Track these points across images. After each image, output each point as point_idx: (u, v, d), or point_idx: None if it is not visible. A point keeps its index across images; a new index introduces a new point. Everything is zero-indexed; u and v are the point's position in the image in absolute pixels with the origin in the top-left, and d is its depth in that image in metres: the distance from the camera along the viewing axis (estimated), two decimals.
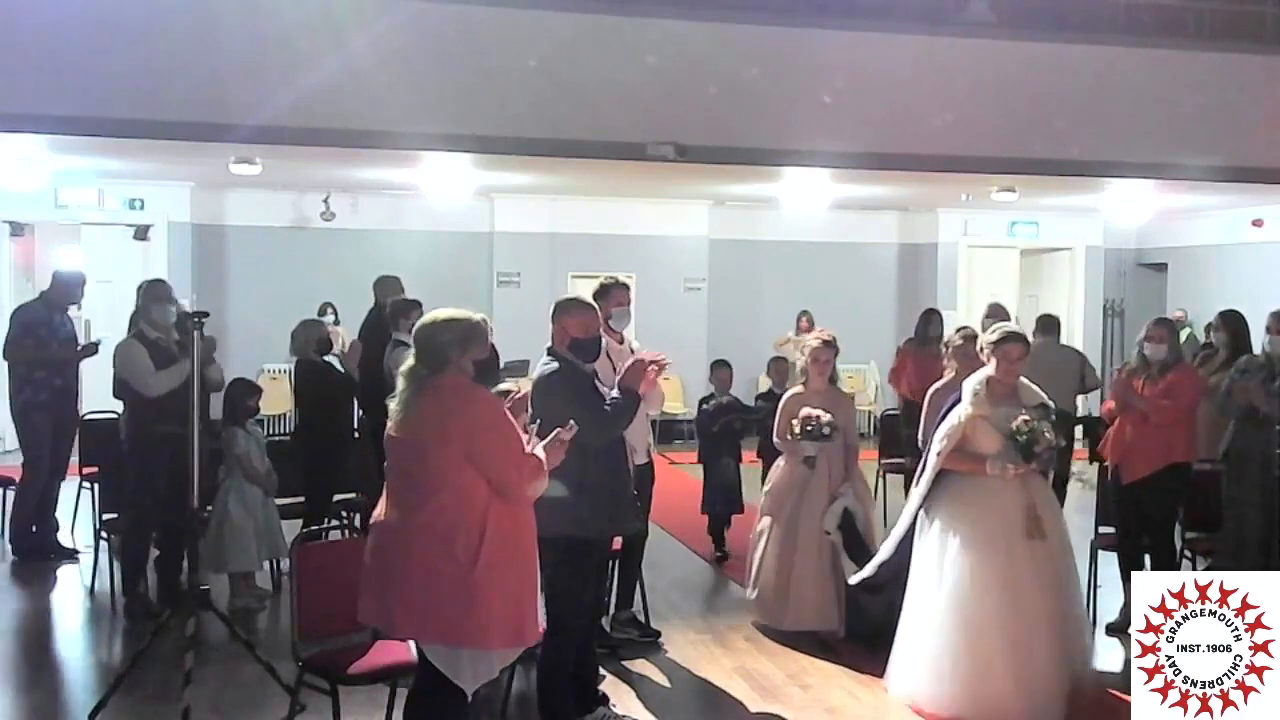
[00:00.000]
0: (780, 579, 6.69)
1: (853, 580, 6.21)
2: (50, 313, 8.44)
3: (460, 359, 4.10)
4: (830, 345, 6.88)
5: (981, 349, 5.75)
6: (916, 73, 8.94)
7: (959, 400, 5.58)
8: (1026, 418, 5.38)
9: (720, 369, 9.02)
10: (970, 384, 5.59)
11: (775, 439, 6.92)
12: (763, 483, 7.78)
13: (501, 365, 6.65)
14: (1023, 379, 5.63)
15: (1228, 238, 15.49)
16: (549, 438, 4.28)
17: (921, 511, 5.66)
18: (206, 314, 5.91)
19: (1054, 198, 14.16)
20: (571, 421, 4.34)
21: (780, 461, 6.95)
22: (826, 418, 6.62)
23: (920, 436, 6.43)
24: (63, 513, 8.78)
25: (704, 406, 8.83)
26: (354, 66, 7.73)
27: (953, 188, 13.12)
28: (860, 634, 6.50)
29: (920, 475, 5.71)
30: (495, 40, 8.23)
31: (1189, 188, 11.78)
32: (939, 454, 5.52)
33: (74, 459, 8.70)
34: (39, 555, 8.38)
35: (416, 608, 4.04)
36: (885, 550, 5.89)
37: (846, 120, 8.94)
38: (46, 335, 8.31)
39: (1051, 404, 5.66)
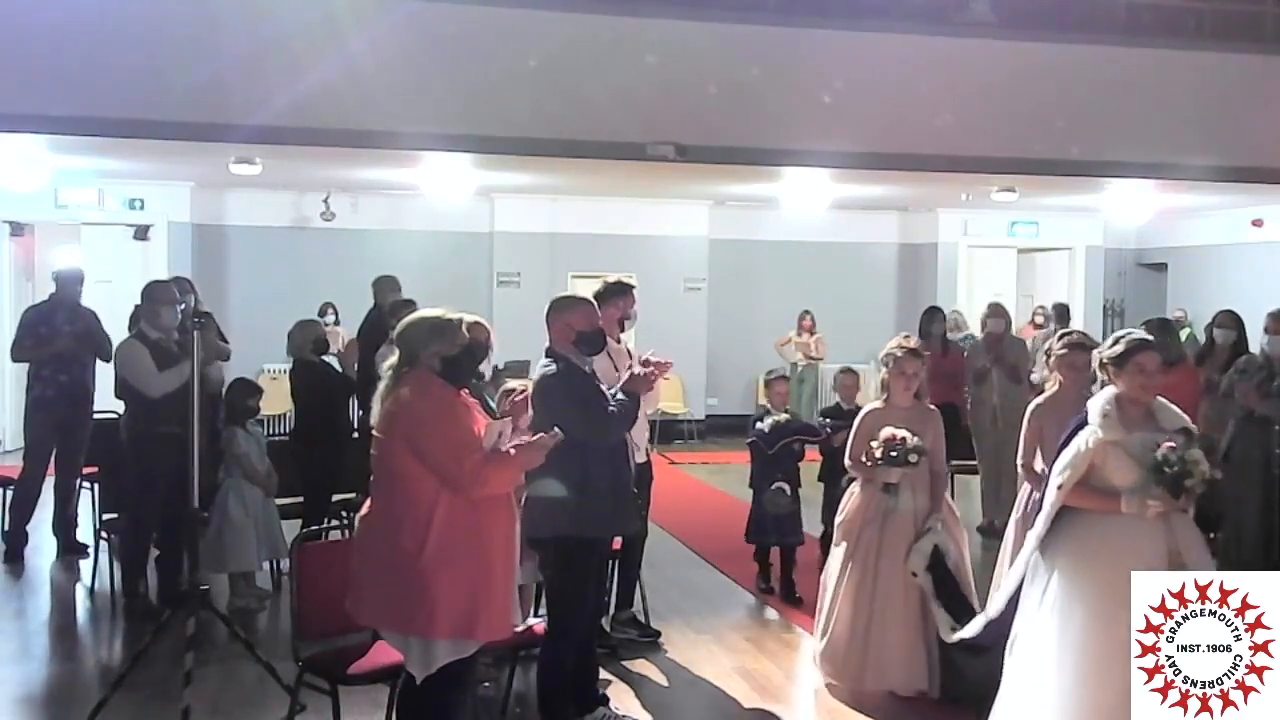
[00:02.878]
0: (857, 629, 5.71)
1: (950, 638, 5.33)
2: (53, 311, 8.49)
3: (428, 355, 4.21)
4: (917, 354, 5.89)
5: (1103, 363, 4.76)
6: (916, 73, 8.95)
7: (1083, 423, 4.65)
8: (1173, 444, 4.47)
9: (777, 383, 7.92)
10: (1098, 404, 4.65)
11: (848, 462, 5.97)
12: (825, 512, 7.48)
13: (501, 366, 6.66)
14: (1159, 398, 4.74)
15: (1228, 238, 15.49)
16: (533, 439, 4.31)
17: (1036, 554, 4.72)
18: (208, 314, 5.90)
19: (1054, 198, 14.18)
20: (556, 429, 4.38)
21: (855, 488, 5.96)
22: (913, 440, 5.64)
23: (1019, 462, 5.83)
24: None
25: (758, 425, 7.67)
26: (354, 66, 7.74)
27: (953, 188, 13.13)
28: (959, 699, 5.50)
29: (1036, 513, 4.81)
30: (495, 40, 8.24)
31: (1189, 188, 11.79)
32: (1060, 487, 4.59)
33: None
34: (19, 556, 8.39)
35: (371, 595, 4.23)
36: (994, 606, 4.97)
37: (846, 120, 8.95)
38: (48, 333, 8.35)
39: (1194, 427, 4.75)
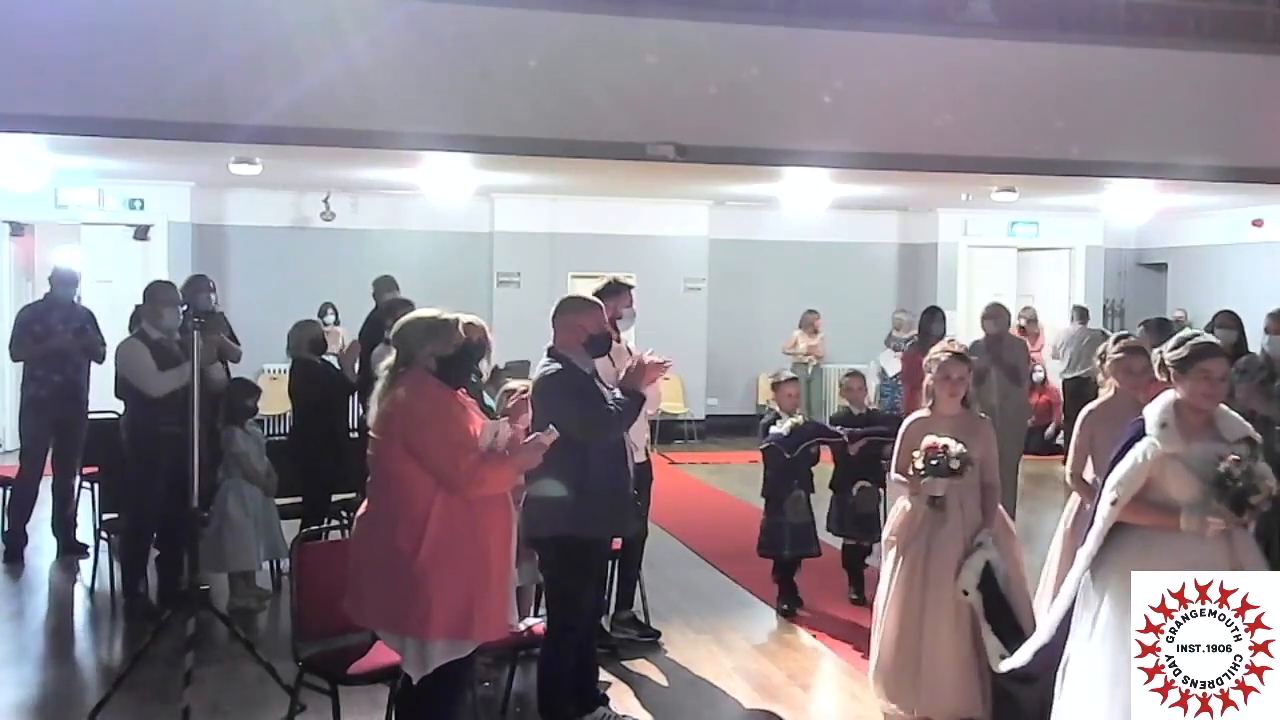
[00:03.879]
0: (905, 650, 5.40)
1: (1000, 668, 4.98)
2: (48, 310, 8.52)
3: (424, 355, 4.22)
4: (962, 359, 5.58)
5: (1163, 365, 4.43)
6: (916, 73, 8.93)
7: (1140, 433, 4.32)
8: (1237, 457, 4.17)
9: (787, 385, 7.53)
10: (1155, 412, 4.33)
11: (894, 474, 5.67)
12: (831, 522, 7.48)
13: (502, 366, 6.66)
14: (1222, 405, 4.41)
15: (1228, 238, 15.50)
16: (529, 439, 4.32)
17: (1088, 574, 4.39)
18: (209, 314, 5.90)
19: (1054, 198, 14.17)
20: (551, 426, 4.39)
21: (903, 502, 5.61)
22: (956, 448, 5.30)
23: (1069, 472, 5.57)
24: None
25: (773, 429, 7.29)
26: (354, 66, 7.72)
27: (953, 188, 13.13)
28: None
29: (1087, 529, 4.45)
30: (495, 40, 8.22)
31: (1189, 188, 11.79)
32: (1114, 503, 4.26)
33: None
34: (18, 556, 8.40)
35: (367, 595, 4.24)
36: (1044, 632, 4.61)
37: (846, 120, 8.93)
38: (42, 332, 8.39)
39: (1258, 436, 4.42)
